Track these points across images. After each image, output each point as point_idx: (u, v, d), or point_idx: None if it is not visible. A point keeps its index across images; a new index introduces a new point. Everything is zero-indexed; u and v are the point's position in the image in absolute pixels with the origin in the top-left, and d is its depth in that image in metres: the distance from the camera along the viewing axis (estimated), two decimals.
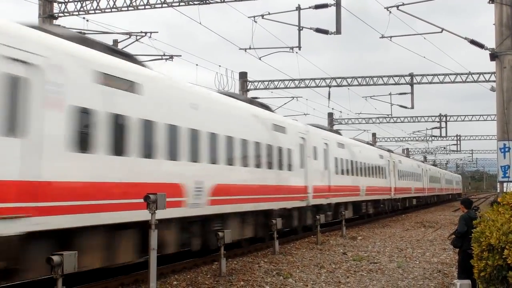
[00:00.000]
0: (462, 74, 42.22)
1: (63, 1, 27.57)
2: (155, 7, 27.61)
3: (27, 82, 11.22)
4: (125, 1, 27.71)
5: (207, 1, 26.97)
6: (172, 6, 27.28)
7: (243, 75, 42.03)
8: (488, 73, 40.81)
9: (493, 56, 19.40)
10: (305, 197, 26.83)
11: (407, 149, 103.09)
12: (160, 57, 28.09)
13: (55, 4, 27.29)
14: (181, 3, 27.04)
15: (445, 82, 42.78)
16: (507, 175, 18.99)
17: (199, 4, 26.92)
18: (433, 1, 35.00)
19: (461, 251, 13.26)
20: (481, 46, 20.94)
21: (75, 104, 12.43)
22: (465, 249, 12.80)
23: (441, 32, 24.89)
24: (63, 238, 12.17)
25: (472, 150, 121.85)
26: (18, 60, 11.07)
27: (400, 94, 47.26)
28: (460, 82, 42.46)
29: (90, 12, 27.79)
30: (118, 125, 13.77)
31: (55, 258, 10.82)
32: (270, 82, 43.57)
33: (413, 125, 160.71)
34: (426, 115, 64.76)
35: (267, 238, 23.57)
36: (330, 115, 61.36)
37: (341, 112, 73.01)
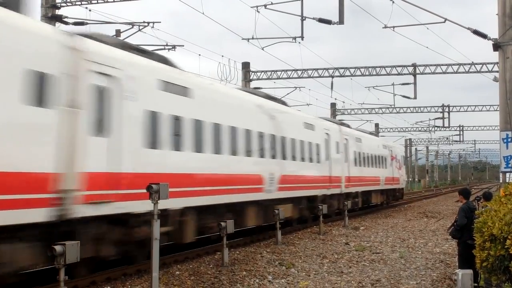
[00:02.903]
0: (465, 64, 42.17)
1: None
2: None
3: None
4: None
5: None
6: None
7: (245, 65, 41.98)
8: (491, 63, 40.77)
9: (496, 46, 19.35)
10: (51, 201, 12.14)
11: (410, 139, 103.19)
12: (162, 47, 28.05)
13: None
14: None
15: (448, 73, 42.75)
16: (509, 165, 18.98)
17: None
18: None
19: (461, 241, 13.26)
20: (484, 36, 20.87)
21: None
22: (464, 240, 12.82)
23: (444, 22, 24.88)
24: None
25: (475, 141, 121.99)
26: None
27: (403, 84, 47.17)
28: (463, 72, 42.44)
29: (93, 2, 27.75)
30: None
31: (58, 248, 10.85)
32: (273, 72, 43.54)
33: (416, 115, 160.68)
34: (429, 106, 64.95)
35: None
36: (333, 105, 61.34)
37: (343, 102, 72.84)
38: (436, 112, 64.85)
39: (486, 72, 41.25)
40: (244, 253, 19.56)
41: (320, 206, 26.55)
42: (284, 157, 24.09)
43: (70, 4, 27.52)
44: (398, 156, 50.57)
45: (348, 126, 38.75)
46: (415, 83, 44.30)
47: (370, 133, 46.28)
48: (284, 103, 27.56)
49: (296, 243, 22.32)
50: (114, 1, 27.82)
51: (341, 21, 29.87)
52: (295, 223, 27.19)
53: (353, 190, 35.21)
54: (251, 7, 30.37)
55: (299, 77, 44.09)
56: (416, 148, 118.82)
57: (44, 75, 11.93)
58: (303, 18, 30.84)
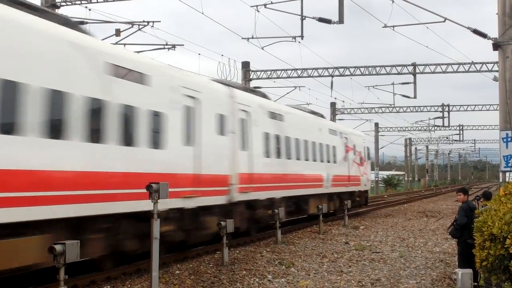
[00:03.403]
0: (465, 64, 42.17)
1: None
2: None
3: None
4: None
5: None
6: None
7: (245, 65, 41.96)
8: (491, 62, 40.78)
9: (496, 45, 19.37)
10: None
11: (410, 138, 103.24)
12: (162, 46, 28.04)
13: None
14: None
15: (448, 72, 42.75)
16: (509, 164, 19.00)
17: None
18: None
19: (460, 241, 13.27)
20: (484, 35, 20.89)
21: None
22: (464, 239, 12.83)
23: (444, 21, 24.91)
24: None
25: (474, 140, 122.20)
26: None
27: (403, 83, 47.21)
28: (463, 72, 42.45)
29: (92, 1, 27.73)
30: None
31: (57, 247, 10.84)
32: (272, 72, 43.54)
33: (416, 115, 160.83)
34: (429, 105, 64.99)
35: None
36: (333, 104, 61.41)
37: (343, 101, 72.84)
38: (436, 111, 64.94)
39: (486, 71, 41.27)
40: (244, 252, 19.56)
41: (320, 206, 26.53)
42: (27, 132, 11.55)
43: (70, 3, 27.51)
44: (359, 147, 37.38)
45: (264, 96, 25.43)
46: (415, 83, 44.34)
47: (313, 113, 31.78)
48: (80, 30, 14.54)
49: (296, 243, 22.32)
50: (114, 1, 27.82)
51: (341, 21, 29.89)
52: (109, 264, 14.87)
53: (261, 196, 22.12)
54: (251, 6, 30.39)
55: (299, 77, 44.11)
56: (416, 148, 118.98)
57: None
58: (303, 18, 30.86)
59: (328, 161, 30.66)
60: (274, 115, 23.90)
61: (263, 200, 22.41)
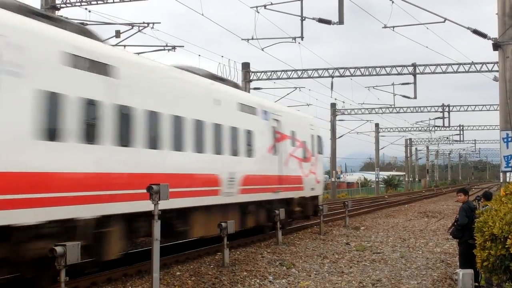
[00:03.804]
0: (465, 64, 42.24)
1: None
2: None
3: None
4: None
5: None
6: None
7: (245, 66, 41.98)
8: (491, 63, 40.85)
9: (496, 45, 19.36)
10: None
11: (410, 139, 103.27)
12: (162, 47, 28.07)
13: None
14: None
15: (448, 72, 42.82)
16: (510, 165, 18.99)
17: None
18: None
19: (461, 241, 13.27)
20: (484, 36, 20.88)
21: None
22: (465, 239, 12.83)
23: (444, 21, 24.93)
24: None
25: (475, 140, 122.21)
26: None
27: (403, 84, 47.24)
28: (463, 72, 42.54)
29: (92, 3, 27.76)
30: None
31: (58, 249, 10.83)
32: (272, 73, 43.56)
33: (416, 115, 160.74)
34: (429, 105, 65.14)
35: None
36: (333, 105, 61.45)
37: (344, 102, 72.96)
38: (436, 111, 65.03)
39: (486, 71, 41.34)
40: (244, 253, 19.55)
41: (320, 207, 26.47)
42: None
43: (70, 5, 27.53)
44: (302, 134, 25.87)
45: (82, 31, 13.96)
46: (415, 83, 44.39)
47: (214, 77, 20.23)
48: None
49: (296, 243, 22.30)
50: (113, 2, 27.84)
51: (341, 21, 29.93)
52: None
53: (24, 217, 10.85)
54: (250, 7, 30.46)
55: (299, 77, 44.18)
56: (416, 148, 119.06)
57: None
58: (303, 18, 30.90)
59: (235, 154, 19.73)
60: (86, 63, 12.74)
61: (41, 227, 11.38)
